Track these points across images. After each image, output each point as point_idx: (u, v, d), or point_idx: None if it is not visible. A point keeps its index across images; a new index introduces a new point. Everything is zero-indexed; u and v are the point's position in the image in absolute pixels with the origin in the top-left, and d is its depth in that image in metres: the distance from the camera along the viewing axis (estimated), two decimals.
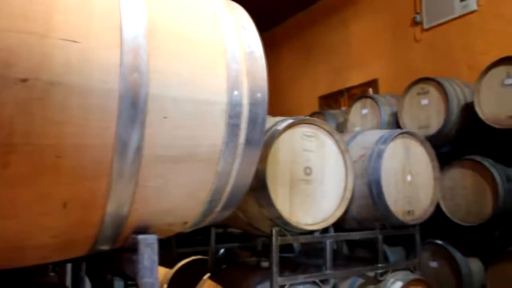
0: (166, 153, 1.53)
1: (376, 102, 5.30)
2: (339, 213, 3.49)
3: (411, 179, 3.90)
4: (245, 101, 1.65)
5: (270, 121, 3.57)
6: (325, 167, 3.48)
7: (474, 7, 5.86)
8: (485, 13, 5.73)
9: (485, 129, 4.53)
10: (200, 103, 1.56)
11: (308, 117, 3.46)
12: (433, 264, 4.84)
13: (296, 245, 5.19)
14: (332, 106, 7.55)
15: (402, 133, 3.90)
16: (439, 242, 4.77)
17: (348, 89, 7.64)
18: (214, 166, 1.65)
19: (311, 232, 3.50)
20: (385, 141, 3.76)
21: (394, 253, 4.95)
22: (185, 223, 1.78)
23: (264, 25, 9.88)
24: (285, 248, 4.82)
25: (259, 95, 1.68)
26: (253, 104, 1.67)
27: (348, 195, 3.53)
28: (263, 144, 3.29)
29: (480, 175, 4.60)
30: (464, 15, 5.96)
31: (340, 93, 7.79)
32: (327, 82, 8.12)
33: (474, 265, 4.74)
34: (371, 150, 3.75)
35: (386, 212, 3.70)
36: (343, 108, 6.25)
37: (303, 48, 8.97)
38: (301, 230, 3.38)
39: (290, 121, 3.34)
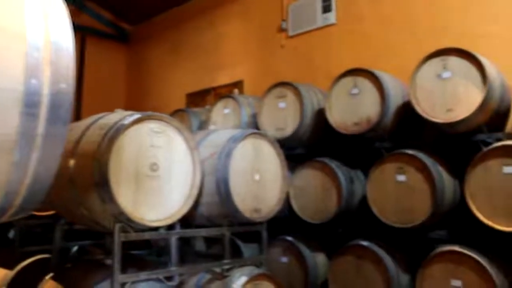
0: None
1: (237, 102, 5.45)
2: (185, 210, 3.53)
3: (259, 178, 4.05)
4: (46, 91, 1.58)
5: (119, 115, 3.49)
6: (173, 164, 3.50)
7: (333, 20, 6.31)
8: (342, 28, 6.21)
9: (335, 133, 4.89)
10: None
11: (156, 113, 3.44)
12: (284, 259, 5.11)
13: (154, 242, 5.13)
14: (199, 104, 7.60)
15: (252, 133, 4.05)
16: (289, 238, 5.05)
17: (215, 88, 7.78)
18: (8, 156, 1.56)
19: (157, 228, 3.50)
20: (235, 140, 3.87)
21: (250, 250, 5.12)
22: None
23: (134, 19, 9.72)
24: (142, 245, 4.76)
25: (63, 85, 1.62)
26: (55, 94, 1.61)
27: (195, 192, 3.58)
28: (108, 138, 3.21)
29: (327, 176, 4.94)
30: (325, 26, 6.38)
31: (207, 91, 7.90)
32: (195, 80, 8.18)
33: (320, 260, 5.10)
34: (222, 148, 3.84)
35: (234, 210, 3.81)
36: (208, 107, 6.33)
37: (173, 45, 8.93)
38: (145, 227, 3.36)
39: (137, 116, 3.30)
